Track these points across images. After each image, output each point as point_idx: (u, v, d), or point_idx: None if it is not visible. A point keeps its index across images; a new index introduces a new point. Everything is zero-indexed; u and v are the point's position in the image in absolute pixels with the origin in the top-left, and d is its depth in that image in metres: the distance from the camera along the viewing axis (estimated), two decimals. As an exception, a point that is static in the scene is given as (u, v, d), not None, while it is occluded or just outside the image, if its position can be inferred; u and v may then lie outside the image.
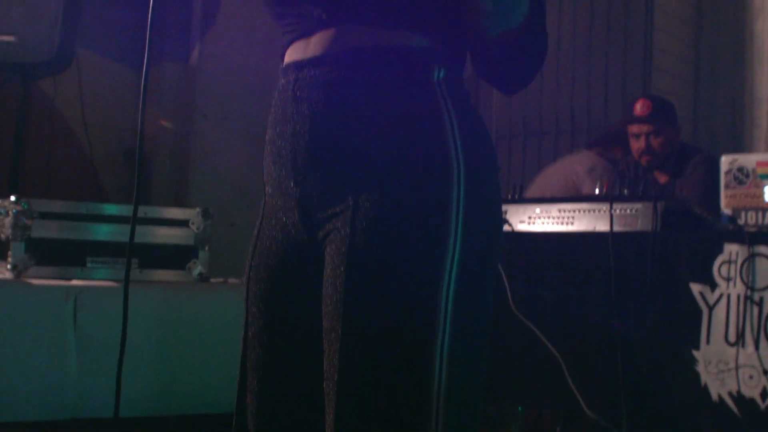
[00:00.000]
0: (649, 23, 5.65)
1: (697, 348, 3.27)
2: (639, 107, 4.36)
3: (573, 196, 3.92)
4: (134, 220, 1.38)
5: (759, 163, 3.41)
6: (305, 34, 1.51)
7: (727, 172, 3.43)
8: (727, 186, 3.43)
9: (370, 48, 1.45)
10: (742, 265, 3.21)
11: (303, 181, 1.47)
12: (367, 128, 1.42)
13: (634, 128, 4.38)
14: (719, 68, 5.79)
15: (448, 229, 1.37)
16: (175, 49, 5.13)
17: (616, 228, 3.47)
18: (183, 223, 3.27)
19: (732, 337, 3.20)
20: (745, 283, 3.19)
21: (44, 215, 3.07)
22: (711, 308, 3.27)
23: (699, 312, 3.28)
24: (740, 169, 3.41)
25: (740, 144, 5.54)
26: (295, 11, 1.52)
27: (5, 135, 4.23)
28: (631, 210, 3.48)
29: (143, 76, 1.51)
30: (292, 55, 1.53)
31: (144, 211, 3.26)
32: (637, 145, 4.37)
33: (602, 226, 3.52)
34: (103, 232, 3.16)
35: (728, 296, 3.23)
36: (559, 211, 3.69)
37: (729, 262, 3.25)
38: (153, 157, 5.01)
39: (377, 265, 1.36)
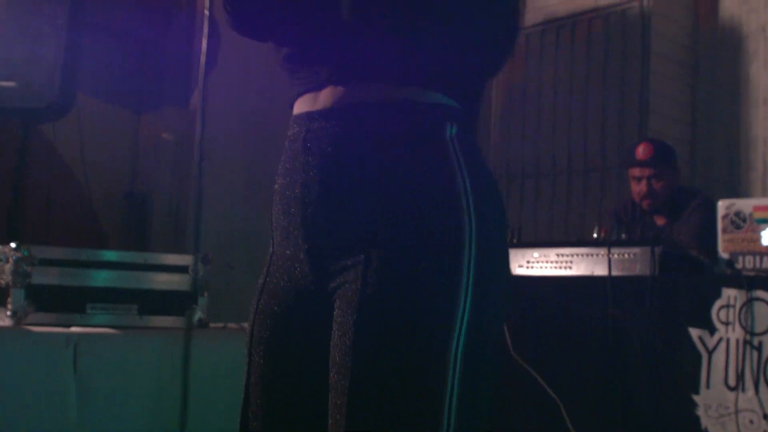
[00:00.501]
0: (646, 67, 5.70)
1: (697, 392, 3.27)
2: (641, 151, 4.39)
3: (571, 240, 3.94)
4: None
5: (756, 208, 3.43)
6: (315, 88, 1.51)
7: (724, 217, 3.45)
8: (724, 230, 3.44)
9: (381, 102, 1.46)
10: (740, 309, 3.22)
11: (313, 233, 1.48)
12: (378, 184, 1.42)
13: (635, 172, 4.41)
14: (715, 111, 5.83)
15: (458, 287, 1.38)
16: (175, 94, 5.15)
17: (614, 272, 3.48)
18: (182, 269, 3.27)
19: (732, 382, 3.20)
20: (743, 328, 3.20)
21: (44, 262, 3.07)
22: (710, 353, 3.27)
23: (698, 356, 3.28)
24: (737, 214, 3.43)
25: (737, 186, 5.57)
26: (305, 70, 1.53)
27: (5, 179, 4.24)
28: (629, 254, 3.49)
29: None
30: (302, 105, 1.54)
31: (143, 257, 3.27)
32: (638, 188, 4.40)
33: (600, 270, 3.53)
34: (103, 279, 3.16)
35: (727, 341, 3.24)
36: (558, 255, 3.71)
37: (727, 306, 3.25)
38: (152, 201, 5.02)
39: (387, 321, 1.36)
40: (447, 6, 1.47)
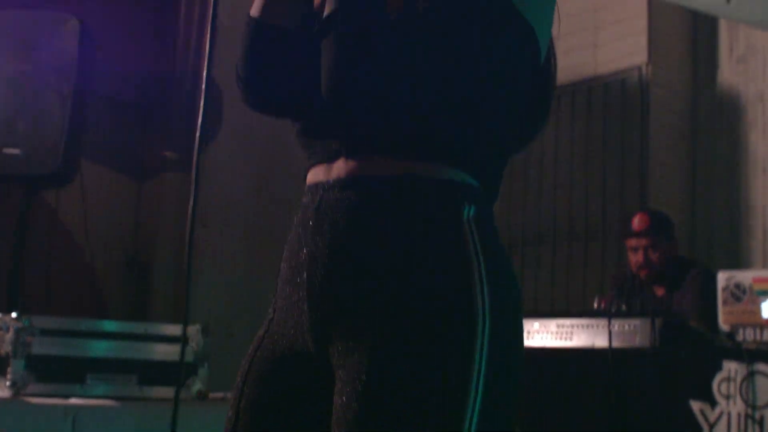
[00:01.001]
0: (645, 135, 5.74)
1: (699, 466, 3.25)
2: (636, 222, 4.43)
3: (572, 311, 3.95)
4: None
5: (755, 280, 3.44)
6: (328, 159, 1.49)
7: (724, 289, 3.46)
8: (724, 302, 3.45)
9: (395, 177, 1.43)
10: (741, 382, 3.21)
11: (318, 306, 1.43)
12: (389, 265, 1.39)
13: (632, 242, 4.43)
14: (715, 179, 5.86)
15: (469, 379, 1.33)
16: (177, 161, 5.19)
17: (614, 344, 3.48)
18: (182, 340, 3.27)
19: (734, 456, 3.19)
20: (745, 401, 3.18)
21: (44, 332, 3.07)
22: (712, 426, 3.25)
23: (700, 430, 3.26)
24: (737, 286, 3.43)
25: (737, 254, 5.57)
26: (318, 143, 1.52)
27: (7, 246, 4.26)
28: (629, 326, 3.49)
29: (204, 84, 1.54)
30: (315, 175, 1.51)
31: (143, 327, 3.26)
32: (635, 258, 4.41)
33: (601, 342, 3.53)
34: (103, 349, 3.16)
35: (729, 414, 3.23)
36: (558, 326, 3.70)
37: (728, 379, 3.25)
38: (153, 269, 5.02)
39: (393, 411, 1.33)
40: (468, 79, 1.43)
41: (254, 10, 1.56)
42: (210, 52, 1.61)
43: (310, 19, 1.56)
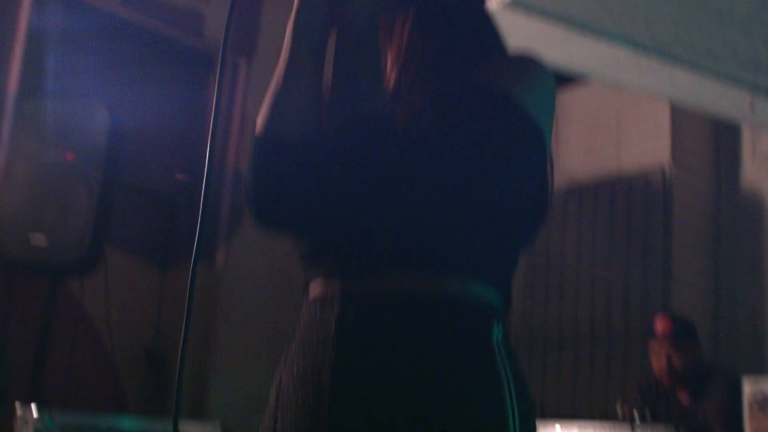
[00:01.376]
0: (668, 235, 5.72)
1: None
2: (659, 326, 4.36)
3: (594, 415, 3.90)
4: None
5: (782, 390, 3.39)
6: (347, 274, 1.45)
7: (750, 398, 3.42)
8: (750, 412, 3.40)
9: (425, 295, 1.40)
10: (768, 499, 3.16)
11: (343, 422, 1.39)
12: (423, 389, 1.36)
13: (654, 346, 4.37)
14: (739, 281, 5.81)
15: None
16: (188, 180, 5.19)
17: (638, 452, 3.43)
18: (203, 439, 3.25)
19: None
20: None
21: (64, 428, 3.05)
22: None
23: None
24: (764, 396, 3.39)
25: (762, 359, 5.50)
26: (330, 257, 1.48)
27: (30, 335, 4.25)
28: (653, 435, 3.44)
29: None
30: (330, 288, 1.46)
31: (162, 424, 3.25)
32: (658, 363, 4.35)
33: (624, 449, 3.48)
34: (122, 447, 3.15)
35: None
36: (580, 431, 3.66)
37: (755, 495, 3.19)
38: (172, 359, 4.98)
39: None
40: (489, 189, 1.42)
41: (259, 127, 1.52)
42: (210, 155, 1.61)
43: (320, 129, 1.52)
